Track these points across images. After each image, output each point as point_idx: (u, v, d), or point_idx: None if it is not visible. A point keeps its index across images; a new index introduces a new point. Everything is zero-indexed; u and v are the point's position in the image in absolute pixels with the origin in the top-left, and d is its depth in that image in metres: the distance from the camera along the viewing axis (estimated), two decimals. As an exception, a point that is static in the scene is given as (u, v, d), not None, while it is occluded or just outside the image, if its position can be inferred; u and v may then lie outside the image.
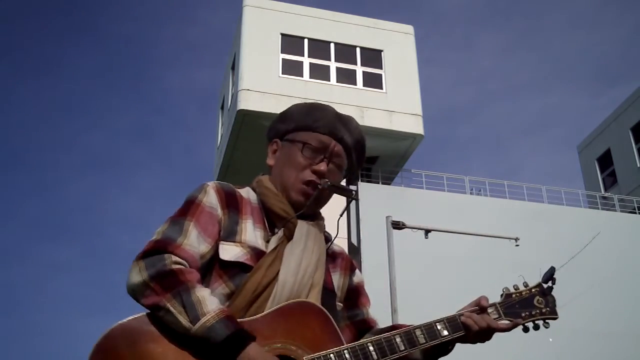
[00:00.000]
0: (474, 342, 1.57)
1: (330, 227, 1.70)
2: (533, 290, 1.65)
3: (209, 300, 1.34)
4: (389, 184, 13.89)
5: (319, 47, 14.07)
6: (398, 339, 1.47)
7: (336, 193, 1.61)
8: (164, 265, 1.37)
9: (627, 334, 12.11)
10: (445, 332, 1.52)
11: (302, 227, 1.56)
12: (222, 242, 1.48)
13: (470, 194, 14.07)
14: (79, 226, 52.16)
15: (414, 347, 1.48)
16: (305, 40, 14.04)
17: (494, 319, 1.58)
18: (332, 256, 1.68)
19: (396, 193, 12.98)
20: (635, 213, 14.93)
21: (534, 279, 1.71)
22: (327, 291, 1.57)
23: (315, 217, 1.65)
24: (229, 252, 1.47)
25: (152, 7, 57.34)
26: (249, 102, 12.75)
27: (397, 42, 14.59)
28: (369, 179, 13.50)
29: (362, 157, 1.74)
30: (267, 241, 1.52)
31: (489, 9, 58.91)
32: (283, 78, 13.33)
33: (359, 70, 14.02)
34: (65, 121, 52.98)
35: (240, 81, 13.05)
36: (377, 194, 12.50)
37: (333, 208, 1.88)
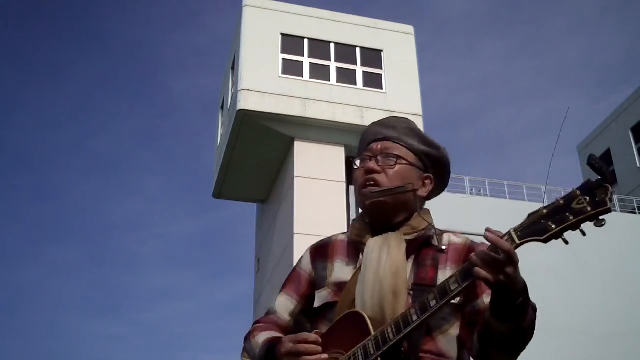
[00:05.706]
0: (499, 282, 1.32)
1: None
2: (571, 193, 1.33)
3: (261, 338, 1.60)
4: (389, 184, 13.86)
5: (319, 47, 14.06)
6: (412, 311, 1.38)
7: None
8: (246, 336, 1.69)
9: (627, 334, 12.11)
10: (456, 286, 1.35)
11: (371, 244, 1.58)
12: (316, 292, 1.65)
13: (470, 194, 14.07)
14: (84, 228, 52.20)
15: (425, 313, 1.36)
16: (305, 40, 14.03)
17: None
18: (451, 249, 1.60)
19: (396, 193, 12.94)
20: (635, 213, 14.93)
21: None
22: (428, 290, 1.43)
23: (396, 226, 1.62)
24: (319, 298, 1.63)
25: (158, 13, 57.31)
26: (249, 102, 12.74)
27: (397, 42, 14.58)
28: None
29: (418, 134, 1.70)
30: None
31: (491, 15, 58.88)
32: (283, 78, 13.32)
33: (359, 70, 14.01)
34: (71, 125, 53.00)
35: (240, 81, 13.04)
36: (377, 194, 12.45)
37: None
